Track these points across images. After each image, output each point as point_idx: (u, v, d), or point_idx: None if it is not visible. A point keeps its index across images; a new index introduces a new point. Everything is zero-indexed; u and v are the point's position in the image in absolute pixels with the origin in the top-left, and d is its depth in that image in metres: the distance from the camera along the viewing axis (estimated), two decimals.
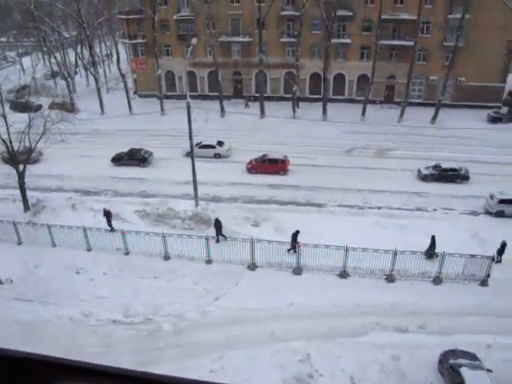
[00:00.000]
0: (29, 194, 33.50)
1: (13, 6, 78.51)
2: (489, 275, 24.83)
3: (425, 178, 37.84)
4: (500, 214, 31.89)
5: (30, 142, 30.93)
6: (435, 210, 33.41)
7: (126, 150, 43.03)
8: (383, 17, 49.58)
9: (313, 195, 35.64)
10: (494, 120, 51.30)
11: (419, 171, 38.47)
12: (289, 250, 27.00)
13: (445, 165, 38.00)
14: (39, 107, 49.55)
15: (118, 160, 42.59)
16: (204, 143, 43.61)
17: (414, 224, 30.14)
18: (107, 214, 29.77)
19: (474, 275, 25.05)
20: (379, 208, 33.64)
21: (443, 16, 51.37)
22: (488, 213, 32.66)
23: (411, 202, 34.43)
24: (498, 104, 54.30)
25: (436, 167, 38.05)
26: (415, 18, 49.12)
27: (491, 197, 32.52)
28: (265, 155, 40.75)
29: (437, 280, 25.22)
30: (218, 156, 43.34)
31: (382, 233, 28.73)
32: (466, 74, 53.11)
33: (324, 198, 35.08)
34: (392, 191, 35.61)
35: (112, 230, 29.21)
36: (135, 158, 42.35)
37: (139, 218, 32.23)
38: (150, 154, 42.98)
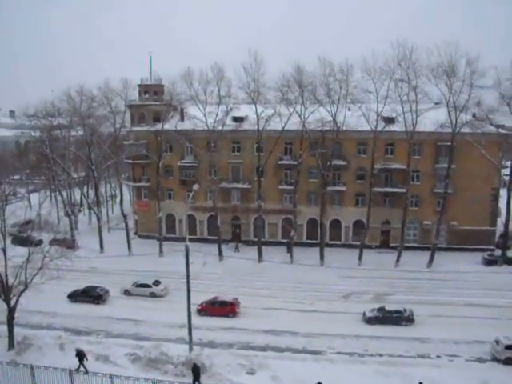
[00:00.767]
0: (16, 330, 32.01)
1: (30, 148, 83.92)
2: None
3: (369, 321, 37.39)
4: (509, 362, 30.08)
5: (25, 277, 30.62)
6: (439, 356, 31.94)
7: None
8: (375, 166, 52.92)
9: (311, 342, 34.41)
10: (489, 263, 51.82)
11: (364, 314, 38.05)
12: None
13: (389, 307, 37.77)
14: (40, 242, 50.28)
15: (74, 296, 42.51)
16: (140, 282, 44.28)
17: (418, 372, 28.44)
18: (80, 355, 28.35)
19: None
20: (380, 355, 32.20)
21: (431, 165, 54.92)
22: (495, 359, 30.91)
23: (412, 348, 33.10)
24: (492, 246, 55.43)
25: (380, 309, 37.78)
26: (405, 167, 52.24)
27: (497, 342, 31.09)
28: (216, 297, 40.32)
29: None
30: (153, 295, 43.25)
31: (385, 382, 27.19)
32: (457, 219, 55.08)
33: (323, 345, 33.78)
34: (391, 336, 34.64)
35: (84, 372, 27.55)
36: (90, 295, 42.23)
37: (130, 361, 30.57)
38: (106, 291, 43.05)
